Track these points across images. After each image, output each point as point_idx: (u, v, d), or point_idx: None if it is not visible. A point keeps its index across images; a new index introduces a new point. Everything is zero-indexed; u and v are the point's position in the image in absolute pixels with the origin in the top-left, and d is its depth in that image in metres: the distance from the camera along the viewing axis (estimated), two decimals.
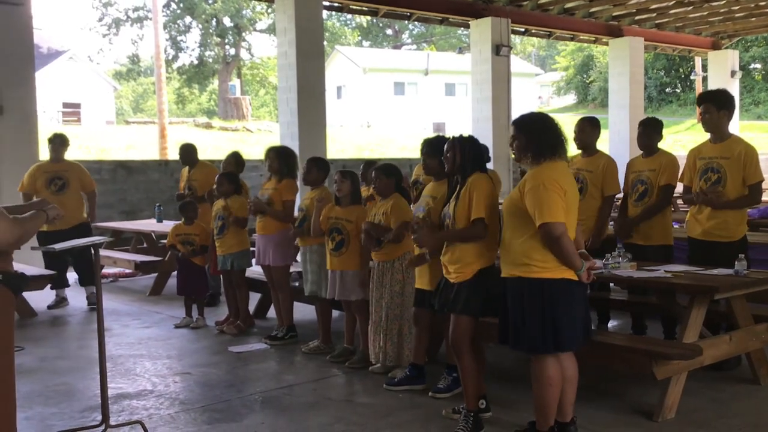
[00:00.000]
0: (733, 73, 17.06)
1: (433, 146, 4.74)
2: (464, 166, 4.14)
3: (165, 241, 9.33)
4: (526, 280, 3.67)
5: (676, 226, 7.09)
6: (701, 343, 4.30)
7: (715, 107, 5.07)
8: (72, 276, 8.22)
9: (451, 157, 4.17)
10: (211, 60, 39.85)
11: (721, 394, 4.65)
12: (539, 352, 3.70)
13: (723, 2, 13.33)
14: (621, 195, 5.84)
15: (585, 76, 43.95)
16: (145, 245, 9.92)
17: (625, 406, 4.48)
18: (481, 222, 3.98)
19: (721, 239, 5.04)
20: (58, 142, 7.93)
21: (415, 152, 4.96)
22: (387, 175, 5.21)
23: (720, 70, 17.14)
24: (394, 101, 41.93)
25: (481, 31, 12.99)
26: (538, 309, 3.63)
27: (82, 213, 7.91)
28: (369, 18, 43.45)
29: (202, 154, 8.99)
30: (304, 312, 6.72)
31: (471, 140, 4.25)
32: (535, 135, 3.73)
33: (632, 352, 4.29)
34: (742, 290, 4.44)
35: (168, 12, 37.67)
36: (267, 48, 65.33)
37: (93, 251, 4.10)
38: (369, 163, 7.08)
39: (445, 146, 4.23)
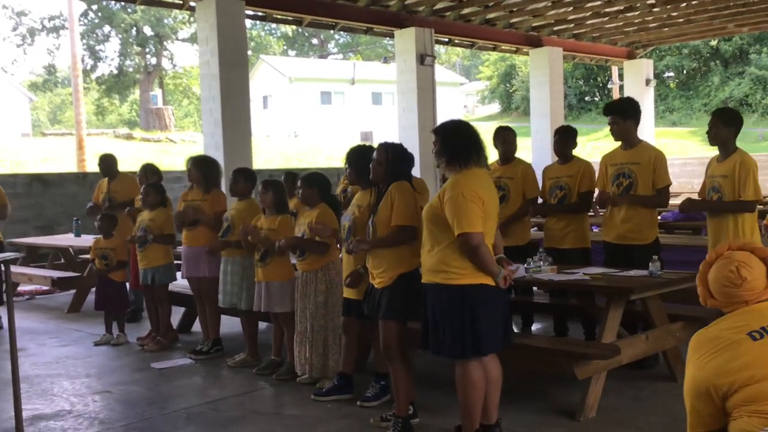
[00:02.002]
0: (648, 82, 17.65)
1: (355, 156, 4.75)
2: (389, 178, 4.18)
3: (83, 256, 9.09)
4: (444, 287, 3.70)
5: (595, 230, 7.30)
6: (619, 343, 4.42)
7: (621, 117, 5.25)
8: None
9: (376, 168, 4.20)
10: (131, 70, 38.99)
11: (640, 392, 4.79)
12: (459, 358, 3.74)
13: (637, 13, 13.80)
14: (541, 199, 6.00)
15: (508, 85, 44.89)
16: (62, 261, 9.58)
17: (549, 406, 4.57)
18: (403, 229, 4.01)
19: (635, 242, 5.21)
20: None
21: (343, 161, 4.97)
22: (309, 184, 5.17)
23: (635, 78, 17.72)
24: (321, 111, 41.87)
25: (405, 40, 13.08)
26: (457, 315, 3.67)
27: None
28: (294, 27, 43.32)
29: (123, 166, 8.77)
30: (230, 325, 6.60)
31: (398, 151, 4.27)
32: (449, 140, 3.79)
33: (553, 354, 4.38)
34: (656, 290, 4.60)
35: (86, 21, 36.70)
36: (190, 57, 64.24)
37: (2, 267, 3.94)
38: (290, 175, 7.03)
39: (375, 153, 4.26)
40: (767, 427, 2.07)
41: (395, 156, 4.21)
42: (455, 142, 3.77)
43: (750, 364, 2.18)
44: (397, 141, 4.42)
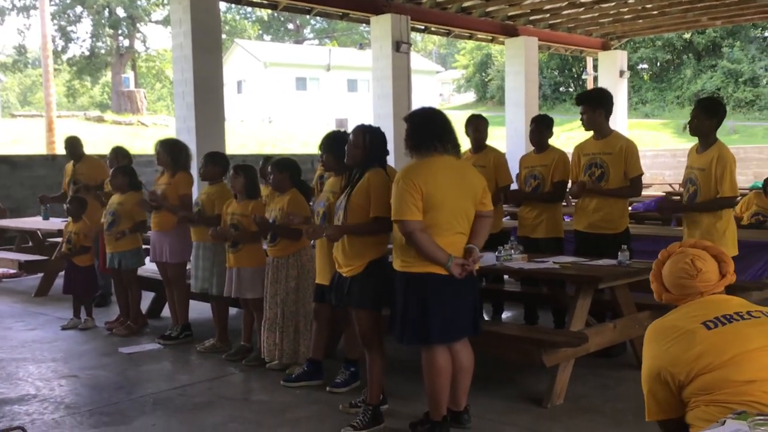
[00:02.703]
0: (621, 73, 17.76)
1: (331, 142, 4.71)
2: (365, 162, 4.12)
3: (52, 239, 8.99)
4: (399, 273, 3.77)
5: (567, 220, 7.36)
6: (587, 331, 4.46)
7: (591, 107, 5.27)
8: None
9: (353, 151, 4.13)
10: (103, 51, 38.40)
11: (607, 380, 4.85)
12: (404, 343, 3.82)
13: (612, 4, 13.86)
14: (515, 186, 6.02)
15: (484, 74, 44.93)
16: (30, 244, 9.44)
17: (517, 393, 4.60)
18: (381, 220, 3.98)
19: (605, 231, 5.25)
20: None
21: (318, 148, 4.91)
22: (280, 170, 5.13)
23: (609, 69, 17.82)
24: (296, 96, 41.62)
25: (381, 27, 13.02)
26: (402, 301, 3.74)
27: None
28: (269, 12, 42.96)
29: (93, 149, 8.66)
30: (200, 310, 6.56)
31: (378, 136, 4.20)
32: (416, 128, 3.78)
33: (522, 342, 4.41)
34: (624, 280, 4.64)
35: (57, 1, 36.05)
36: (163, 40, 63.32)
37: None
38: (267, 159, 6.96)
39: (352, 136, 4.17)
40: (728, 415, 2.09)
41: (373, 140, 4.14)
42: (420, 130, 3.76)
43: (705, 353, 2.21)
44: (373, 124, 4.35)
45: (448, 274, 3.66)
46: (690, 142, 5.09)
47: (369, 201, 4.02)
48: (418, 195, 3.61)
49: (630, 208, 7.15)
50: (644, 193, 14.13)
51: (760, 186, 7.33)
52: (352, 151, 4.15)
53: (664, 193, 4.91)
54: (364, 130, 4.18)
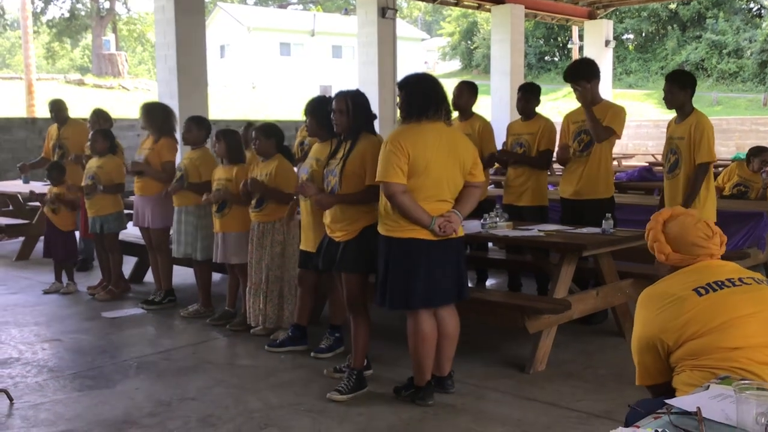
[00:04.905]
0: (607, 43, 17.71)
1: (314, 106, 4.66)
2: (354, 128, 4.09)
3: (32, 203, 8.89)
4: (384, 238, 3.78)
5: (552, 189, 7.38)
6: (570, 298, 4.50)
7: (586, 80, 5.22)
8: None
9: (339, 117, 4.10)
10: (83, 13, 37.72)
11: (588, 346, 4.90)
12: (386, 306, 3.83)
13: None
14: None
15: (469, 42, 44.69)
16: (10, 208, 9.34)
17: (500, 359, 4.64)
18: (374, 187, 3.96)
19: (591, 197, 5.27)
20: None
21: (302, 113, 4.87)
22: (266, 136, 5.08)
23: (595, 39, 17.77)
24: (280, 62, 41.17)
25: None
26: (385, 265, 3.76)
27: None
28: None
29: (74, 112, 8.52)
30: (184, 276, 6.54)
31: (360, 99, 4.16)
32: (410, 94, 3.75)
33: (506, 308, 4.44)
34: (608, 248, 4.67)
35: None
36: (145, 2, 62.22)
37: None
38: (250, 125, 6.89)
39: (334, 103, 4.13)
40: (711, 380, 2.11)
41: (356, 103, 4.11)
42: (419, 95, 3.73)
43: (694, 319, 2.23)
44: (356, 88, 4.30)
45: (431, 239, 3.67)
46: (672, 114, 5.15)
47: (364, 168, 4.00)
48: (405, 158, 3.61)
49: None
50: (627, 163, 14.20)
51: (743, 157, 7.38)
52: (337, 117, 4.11)
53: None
54: (345, 95, 4.14)
